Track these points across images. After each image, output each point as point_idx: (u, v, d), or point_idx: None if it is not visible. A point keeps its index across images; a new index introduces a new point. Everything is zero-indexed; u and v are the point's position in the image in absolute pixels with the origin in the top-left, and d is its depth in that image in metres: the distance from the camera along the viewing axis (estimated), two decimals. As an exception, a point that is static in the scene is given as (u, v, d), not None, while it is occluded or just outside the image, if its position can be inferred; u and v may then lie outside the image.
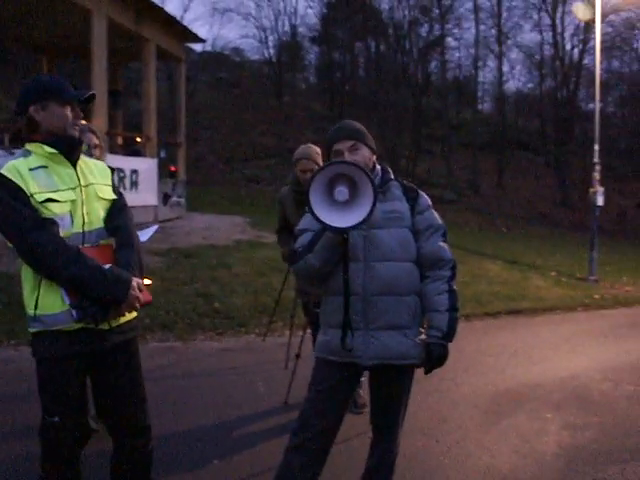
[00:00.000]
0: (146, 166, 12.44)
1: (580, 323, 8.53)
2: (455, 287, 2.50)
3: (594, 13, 13.39)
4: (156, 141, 13.65)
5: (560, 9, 29.81)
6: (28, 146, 2.31)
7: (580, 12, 22.43)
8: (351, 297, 2.41)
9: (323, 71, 34.60)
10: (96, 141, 3.56)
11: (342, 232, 2.31)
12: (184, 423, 4.09)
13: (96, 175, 2.44)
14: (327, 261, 2.42)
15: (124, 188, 10.93)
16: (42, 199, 2.21)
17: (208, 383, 5.04)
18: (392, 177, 2.58)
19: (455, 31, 33.14)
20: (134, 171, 11.77)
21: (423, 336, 2.49)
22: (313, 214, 2.26)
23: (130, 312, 2.38)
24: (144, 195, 12.00)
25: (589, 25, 23.63)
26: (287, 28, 34.83)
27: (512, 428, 4.27)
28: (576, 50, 30.34)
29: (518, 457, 3.77)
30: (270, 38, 34.72)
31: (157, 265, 8.51)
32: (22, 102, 2.30)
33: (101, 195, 2.41)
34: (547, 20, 30.62)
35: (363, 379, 2.86)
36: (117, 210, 2.45)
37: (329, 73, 32.63)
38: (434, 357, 2.43)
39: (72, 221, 2.28)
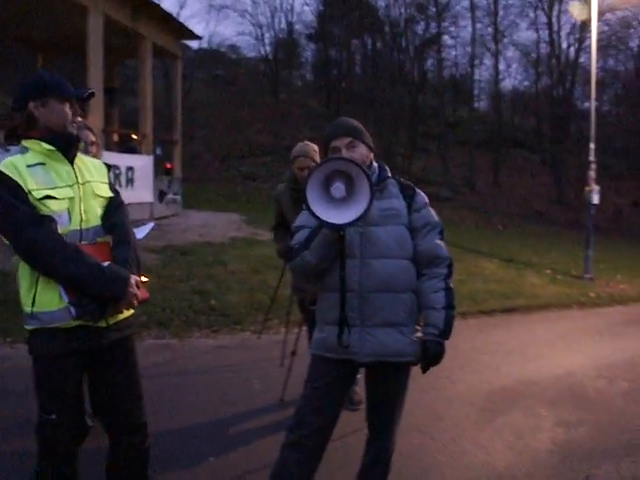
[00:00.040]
0: (142, 163, 12.41)
1: (575, 321, 8.56)
2: (451, 285, 2.51)
3: (590, 12, 13.41)
4: (152, 138, 13.62)
5: (556, 7, 29.90)
6: (25, 143, 2.30)
7: (576, 11, 22.49)
8: (347, 294, 2.41)
9: (319, 68, 34.59)
10: (93, 138, 3.56)
11: (339, 228, 2.32)
12: (180, 420, 4.09)
13: (93, 173, 2.43)
14: (323, 258, 2.42)
15: (120, 185, 10.90)
16: (40, 196, 2.20)
17: (204, 380, 5.05)
18: (389, 175, 2.59)
19: (451, 29, 33.21)
20: (130, 168, 11.74)
21: (419, 334, 2.50)
22: (310, 210, 2.27)
23: (128, 309, 2.38)
24: (140, 192, 11.97)
25: (585, 24, 23.66)
26: (283, 25, 34.94)
27: (507, 425, 4.29)
28: (572, 48, 30.47)
29: (513, 454, 3.79)
30: (266, 35, 34.91)
31: (153, 262, 8.50)
32: (21, 98, 2.29)
33: (98, 193, 2.41)
34: (543, 18, 30.73)
35: (359, 376, 2.87)
36: (114, 208, 2.45)
37: (325, 70, 32.61)
38: (430, 355, 2.43)
39: (70, 218, 2.27)
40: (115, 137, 14.38)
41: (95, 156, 3.25)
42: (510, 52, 46.07)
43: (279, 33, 33.88)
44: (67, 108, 2.32)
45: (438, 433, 4.08)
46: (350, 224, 2.28)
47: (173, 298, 7.24)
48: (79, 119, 2.40)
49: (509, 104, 35.68)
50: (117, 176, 10.97)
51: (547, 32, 30.33)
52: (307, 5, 49.95)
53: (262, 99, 30.82)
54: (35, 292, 2.25)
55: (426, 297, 2.48)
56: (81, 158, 2.42)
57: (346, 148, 2.49)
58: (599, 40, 14.47)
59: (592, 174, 12.55)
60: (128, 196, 2.71)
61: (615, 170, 30.58)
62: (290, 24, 34.24)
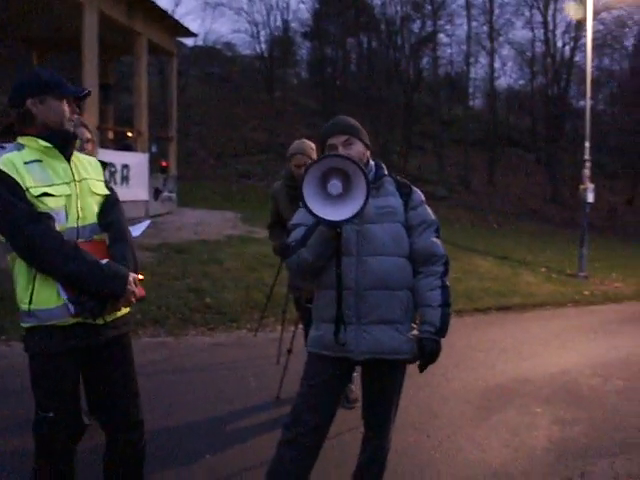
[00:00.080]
0: (137, 161, 12.38)
1: (570, 319, 8.59)
2: (448, 283, 2.51)
3: (586, 11, 13.43)
4: (147, 136, 13.59)
5: (552, 6, 29.93)
6: (21, 140, 2.29)
7: (572, 10, 22.53)
8: (343, 291, 2.41)
9: (315, 66, 34.54)
10: (88, 135, 3.55)
11: (335, 225, 2.32)
12: (176, 418, 4.09)
13: (89, 170, 2.43)
14: (320, 255, 2.42)
15: (115, 183, 10.88)
16: (38, 193, 2.20)
17: (200, 378, 5.05)
18: (386, 173, 2.59)
19: (447, 27, 33.31)
20: (125, 166, 11.71)
21: (415, 332, 2.50)
22: (306, 207, 2.27)
23: (126, 307, 2.38)
24: (135, 190, 11.94)
25: (580, 23, 23.70)
26: (279, 23, 34.85)
27: (502, 423, 4.30)
28: (567, 47, 30.52)
29: (509, 451, 3.80)
30: (262, 33, 34.78)
31: (148, 260, 8.48)
32: (19, 95, 2.28)
33: (94, 190, 2.40)
34: (539, 17, 30.77)
35: (355, 374, 2.87)
36: (110, 205, 2.45)
37: (321, 68, 32.57)
38: (427, 352, 2.43)
39: (67, 216, 2.27)
40: (110, 134, 14.33)
41: (90, 153, 3.24)
42: (505, 50, 46.18)
43: (275, 31, 33.90)
44: (65, 106, 2.32)
45: (434, 430, 4.09)
46: (347, 221, 2.28)
47: (168, 296, 7.23)
48: (75, 116, 2.40)
49: (504, 103, 35.72)
50: (112, 174, 10.94)
51: (542, 31, 30.43)
52: (303, 3, 49.97)
53: (257, 97, 30.79)
54: (32, 289, 2.24)
55: (422, 295, 2.48)
56: (77, 156, 2.42)
57: (343, 146, 2.49)
58: (594, 39, 14.48)
59: (587, 172, 12.58)
60: (123, 194, 2.71)
61: (609, 169, 30.69)
62: (286, 22, 34.28)
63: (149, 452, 2.61)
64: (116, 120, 16.52)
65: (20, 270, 2.27)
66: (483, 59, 35.39)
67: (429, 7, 30.52)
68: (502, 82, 43.25)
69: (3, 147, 2.29)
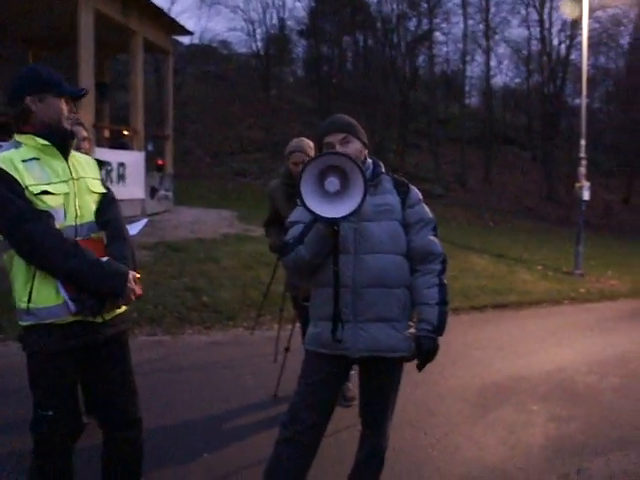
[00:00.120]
0: (133, 159, 12.36)
1: (566, 316, 8.61)
2: (445, 281, 2.51)
3: (582, 10, 13.45)
4: (143, 134, 13.56)
5: (548, 5, 29.96)
6: (18, 137, 2.29)
7: (568, 9, 22.55)
8: (341, 289, 2.42)
9: (311, 65, 34.49)
10: (85, 134, 3.54)
11: (333, 223, 2.32)
12: (173, 417, 4.09)
13: (86, 169, 2.43)
14: (317, 253, 2.43)
15: (111, 181, 10.86)
16: (37, 191, 2.19)
17: (197, 377, 5.05)
18: (383, 171, 2.59)
19: (443, 25, 33.20)
20: (121, 164, 11.69)
21: (412, 330, 2.51)
22: (304, 204, 2.27)
23: (126, 305, 2.39)
24: (131, 188, 11.92)
25: (576, 21, 23.75)
26: (275, 21, 34.77)
27: (499, 420, 4.31)
28: (563, 46, 30.52)
29: (505, 448, 3.82)
30: (258, 31, 34.76)
31: (145, 259, 8.47)
32: (18, 92, 2.28)
33: (92, 189, 2.41)
34: (535, 15, 30.79)
35: (352, 372, 2.88)
36: (107, 203, 2.45)
37: (317, 67, 32.52)
38: (424, 350, 2.44)
39: (65, 214, 2.27)
40: (106, 133, 14.30)
41: (87, 152, 3.23)
42: (501, 49, 46.31)
43: (270, 29, 33.83)
44: (63, 104, 2.32)
45: (431, 428, 4.10)
46: (344, 218, 2.29)
47: (165, 295, 7.22)
48: (72, 115, 2.40)
49: (500, 101, 35.76)
50: (108, 172, 10.92)
51: (538, 29, 30.43)
52: (299, 1, 49.89)
53: (253, 95, 30.75)
54: (31, 288, 2.23)
55: (420, 293, 2.49)
56: (73, 154, 2.42)
57: (340, 144, 2.49)
58: (590, 37, 14.52)
59: (583, 170, 12.60)
60: (119, 192, 2.71)
61: (605, 167, 30.74)
62: (282, 20, 34.19)
63: (147, 451, 2.62)
64: (112, 118, 16.48)
65: (19, 268, 2.26)
66: (479, 57, 35.30)
67: (425, 5, 30.53)
68: (498, 80, 43.41)
69: None
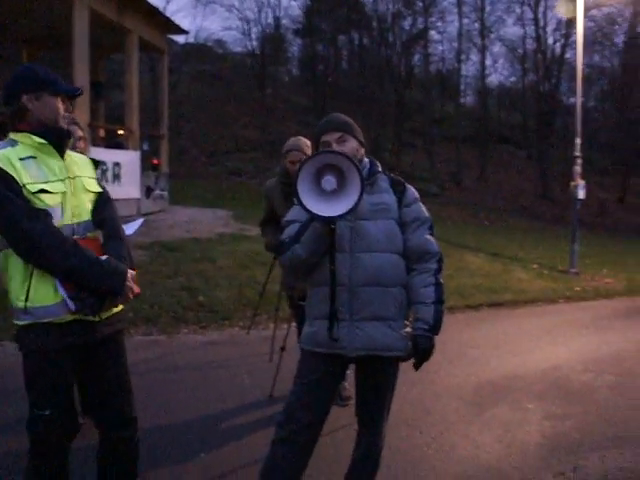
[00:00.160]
0: (129, 159, 12.34)
1: (561, 315, 8.63)
2: (441, 280, 2.51)
3: (576, 9, 13.47)
4: (139, 133, 13.54)
5: (542, 3, 30.05)
6: (13, 136, 2.28)
7: (563, 9, 22.59)
8: (337, 288, 2.42)
9: (306, 64, 34.49)
10: (80, 133, 3.54)
11: (329, 221, 2.32)
12: (169, 417, 4.08)
13: (81, 168, 2.43)
14: (314, 252, 2.43)
15: (106, 181, 10.84)
16: (35, 190, 2.19)
17: (193, 377, 5.04)
18: (380, 170, 2.60)
19: (438, 24, 33.25)
20: (116, 164, 11.67)
21: (408, 329, 2.51)
22: (301, 203, 2.27)
23: (124, 303, 2.39)
24: (127, 188, 11.91)
25: (571, 20, 23.79)
26: (270, 20, 34.75)
27: (495, 419, 4.32)
28: (558, 44, 30.63)
29: (501, 447, 3.83)
30: (253, 30, 34.72)
31: (141, 258, 8.46)
32: (14, 90, 2.27)
33: (88, 188, 2.40)
34: (529, 14, 30.86)
35: (348, 372, 2.88)
36: (103, 202, 2.45)
37: (312, 66, 32.52)
38: (420, 349, 2.44)
39: (62, 213, 2.26)
40: (101, 132, 14.27)
41: (83, 151, 3.23)
42: (497, 48, 46.20)
43: (266, 28, 33.78)
44: (59, 103, 2.32)
45: (426, 427, 4.10)
46: (341, 217, 2.29)
47: (161, 294, 7.21)
48: (67, 114, 2.39)
49: (495, 100, 35.83)
50: (104, 172, 10.90)
51: (533, 28, 30.50)
52: (294, 0, 49.78)
53: (249, 94, 30.72)
54: (29, 286, 2.22)
55: (416, 292, 2.49)
56: (69, 153, 2.41)
57: (336, 142, 2.49)
58: (585, 36, 14.53)
59: (578, 169, 12.63)
60: (115, 192, 2.71)
61: (600, 165, 30.83)
62: (277, 19, 34.17)
63: (143, 451, 2.61)
64: (107, 118, 16.45)
65: (15, 267, 2.25)
66: (474, 56, 35.47)
67: (420, 4, 30.58)
68: (493, 79, 43.58)
69: None
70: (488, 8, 31.41)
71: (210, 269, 8.63)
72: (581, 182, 12.62)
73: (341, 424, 3.83)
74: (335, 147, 2.47)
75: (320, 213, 2.27)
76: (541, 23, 30.12)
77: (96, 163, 2.55)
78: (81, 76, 10.92)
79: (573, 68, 21.29)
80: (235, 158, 25.69)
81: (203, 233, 11.36)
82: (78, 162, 2.43)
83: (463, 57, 32.92)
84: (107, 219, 2.42)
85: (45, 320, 2.23)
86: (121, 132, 13.69)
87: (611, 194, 29.30)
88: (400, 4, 30.98)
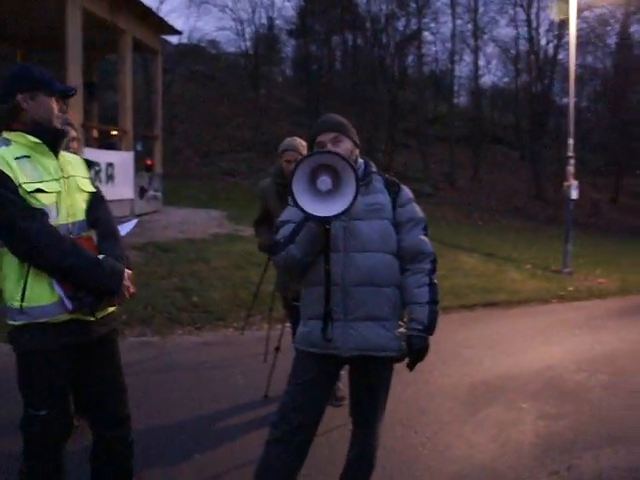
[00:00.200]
0: (122, 159, 12.31)
1: (555, 315, 8.65)
2: (435, 280, 2.52)
3: (569, 10, 13.51)
4: (132, 134, 13.51)
5: (535, 5, 30.08)
6: (7, 135, 2.27)
7: (556, 11, 22.68)
8: (331, 288, 2.42)
9: (300, 64, 34.48)
10: (74, 134, 3.52)
11: (325, 221, 2.32)
12: (164, 417, 4.08)
13: (75, 167, 2.43)
14: (309, 252, 2.43)
15: (100, 182, 10.79)
16: (31, 189, 2.18)
17: (187, 377, 5.03)
18: (374, 170, 2.60)
19: (432, 25, 33.25)
20: (110, 164, 11.64)
21: (402, 329, 2.51)
22: (296, 203, 2.28)
23: (121, 303, 2.39)
24: (120, 189, 11.88)
25: (563, 21, 23.88)
26: (264, 20, 34.61)
27: (489, 418, 4.33)
28: (551, 45, 30.69)
29: (496, 446, 3.83)
30: (247, 30, 34.40)
31: (134, 259, 8.42)
32: (9, 89, 2.26)
33: (82, 187, 2.40)
34: (522, 15, 30.89)
35: (343, 372, 2.88)
36: (97, 202, 2.45)
37: (306, 66, 32.50)
38: (415, 350, 2.44)
39: (57, 213, 2.26)
40: (95, 133, 14.23)
41: (76, 152, 3.22)
42: (490, 48, 46.44)
43: (259, 28, 33.69)
44: (54, 103, 2.31)
45: (421, 427, 4.11)
46: (336, 217, 2.29)
47: (155, 295, 7.20)
48: (62, 114, 2.39)
49: (489, 100, 35.91)
50: (97, 172, 10.87)
51: (526, 29, 30.55)
52: (288, 1, 49.68)
53: (242, 94, 30.68)
54: (25, 286, 2.21)
55: (410, 292, 2.49)
56: (62, 153, 2.41)
57: (331, 143, 2.50)
58: (577, 37, 14.59)
59: (571, 169, 12.66)
60: (108, 193, 2.70)
61: (592, 165, 30.94)
62: (271, 19, 34.09)
63: (137, 452, 2.61)
64: (100, 118, 16.40)
65: (10, 266, 2.23)
66: (467, 57, 35.54)
67: (414, 5, 30.56)
68: (486, 80, 43.61)
69: None
70: (481, 9, 31.49)
71: (204, 270, 8.62)
72: (574, 182, 12.65)
73: (336, 424, 3.83)
74: (330, 147, 2.47)
75: (315, 213, 2.27)
76: (534, 24, 30.21)
77: (89, 164, 2.55)
78: (74, 77, 10.88)
79: (566, 69, 21.38)
80: (229, 158, 25.65)
81: (197, 234, 11.34)
82: (72, 162, 2.43)
83: (456, 58, 32.98)
84: (101, 219, 2.42)
85: (41, 320, 2.22)
86: (114, 133, 13.65)
87: (604, 194, 29.40)
88: (394, 5, 31.02)
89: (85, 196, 2.41)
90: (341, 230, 2.44)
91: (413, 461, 3.58)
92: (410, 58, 32.97)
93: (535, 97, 30.14)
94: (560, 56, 29.93)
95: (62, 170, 2.32)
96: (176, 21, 51.03)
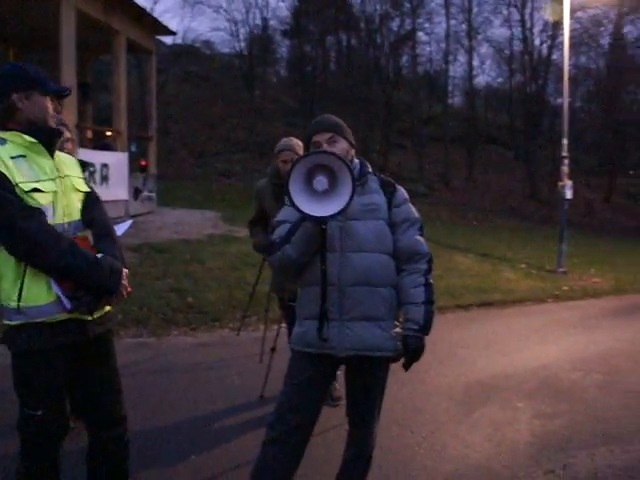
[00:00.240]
0: (116, 160, 12.28)
1: (550, 314, 8.68)
2: (431, 280, 2.53)
3: (563, 10, 13.56)
4: (127, 135, 13.48)
5: (529, 5, 30.18)
6: (2, 134, 2.26)
7: (549, 11, 22.76)
8: (328, 287, 2.42)
9: (294, 64, 34.47)
10: (68, 134, 3.52)
11: (321, 221, 2.33)
12: (160, 419, 4.07)
13: (70, 167, 2.42)
14: (305, 252, 2.43)
15: (94, 182, 10.77)
16: (28, 189, 2.17)
17: (183, 378, 5.02)
18: (370, 171, 2.61)
19: (426, 25, 33.36)
20: (104, 165, 11.61)
21: (398, 329, 2.51)
22: (293, 203, 2.28)
23: (118, 302, 2.39)
24: (115, 190, 11.85)
25: (557, 22, 23.96)
26: (258, 21, 34.63)
27: (485, 418, 4.34)
28: (545, 46, 30.77)
29: (491, 445, 3.84)
30: (241, 31, 34.55)
31: (129, 260, 8.41)
32: (4, 88, 2.25)
33: (78, 187, 2.40)
34: (516, 15, 30.99)
35: (339, 372, 2.88)
36: (92, 202, 2.44)
37: (300, 67, 32.51)
38: (411, 350, 2.45)
39: (54, 212, 2.25)
40: (89, 134, 14.20)
41: (71, 153, 3.21)
42: (484, 49, 46.52)
43: (254, 29, 33.68)
44: (49, 103, 2.31)
45: (417, 426, 4.11)
46: (333, 217, 2.30)
47: (150, 296, 7.18)
48: (57, 114, 2.39)
49: (483, 100, 35.98)
50: (92, 173, 10.84)
51: (520, 29, 30.66)
52: (282, 1, 49.75)
53: (237, 95, 30.65)
54: (22, 286, 2.20)
55: (406, 292, 2.49)
56: (57, 153, 2.40)
57: (327, 143, 2.50)
58: (571, 37, 14.63)
59: (565, 169, 12.71)
60: (103, 194, 2.70)
61: (586, 165, 31.04)
62: (265, 20, 34.07)
63: (133, 453, 2.61)
64: (95, 119, 16.37)
65: (7, 266, 2.22)
66: (462, 57, 35.53)
67: (408, 5, 30.61)
68: (481, 80, 43.74)
69: None
70: (475, 9, 31.60)
71: (199, 270, 8.61)
72: (568, 182, 12.70)
73: (332, 424, 3.83)
74: (326, 147, 2.48)
75: (312, 213, 2.28)
76: (528, 24, 30.30)
77: (84, 165, 2.54)
78: (68, 77, 10.85)
79: (560, 69, 21.40)
80: (223, 159, 25.62)
81: (192, 234, 11.33)
82: (66, 162, 2.43)
83: (451, 58, 33.01)
84: (97, 219, 2.41)
85: (38, 320, 2.21)
86: (109, 133, 13.62)
87: (597, 194, 29.51)
88: (388, 5, 31.06)
89: (80, 196, 2.41)
90: (337, 230, 2.45)
91: (409, 461, 3.59)
92: (404, 58, 33.02)
93: (529, 97, 30.22)
94: (554, 56, 30.04)
95: (58, 170, 2.32)
96: (170, 21, 51.07)
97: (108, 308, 2.43)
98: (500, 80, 36.51)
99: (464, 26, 31.40)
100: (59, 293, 2.20)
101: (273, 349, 4.55)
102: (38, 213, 2.17)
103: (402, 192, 2.60)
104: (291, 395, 2.51)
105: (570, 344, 6.71)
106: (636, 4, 27.96)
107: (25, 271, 2.20)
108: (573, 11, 16.91)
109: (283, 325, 4.51)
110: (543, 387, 5.10)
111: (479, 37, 32.62)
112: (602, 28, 31.74)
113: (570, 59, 15.17)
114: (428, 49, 35.15)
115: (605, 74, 32.85)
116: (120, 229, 3.43)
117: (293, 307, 2.83)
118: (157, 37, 16.54)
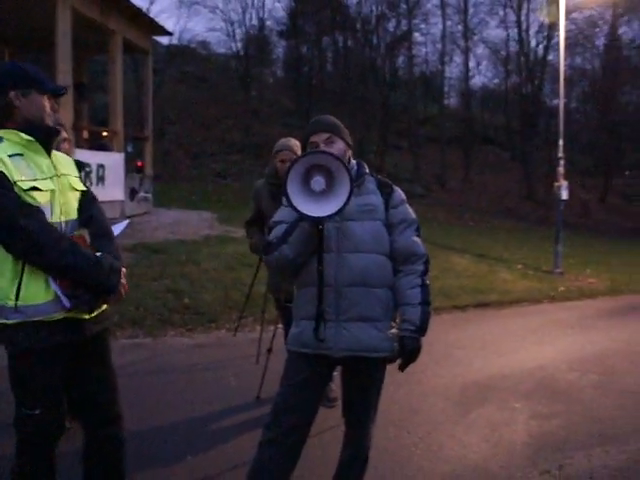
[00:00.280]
0: (113, 161, 12.26)
1: (546, 315, 8.69)
2: (428, 281, 2.53)
3: (559, 12, 13.60)
4: (123, 135, 13.46)
5: (525, 6, 30.31)
6: None
7: (545, 13, 22.82)
8: (324, 288, 2.42)
9: (291, 65, 34.51)
10: (65, 134, 3.51)
11: (318, 222, 2.32)
12: (156, 419, 4.06)
13: (66, 166, 2.42)
14: (302, 252, 2.43)
15: (90, 183, 10.76)
16: (27, 187, 2.16)
17: (179, 379, 5.01)
18: (367, 171, 2.61)
19: (422, 26, 33.44)
20: (100, 166, 11.59)
21: (394, 330, 2.51)
22: (290, 203, 2.27)
23: (117, 301, 2.39)
24: (111, 190, 11.83)
25: (553, 23, 24.02)
26: (255, 21, 34.57)
27: (482, 418, 4.34)
28: (540, 46, 30.90)
29: (488, 446, 3.84)
30: (237, 31, 34.40)
31: (125, 260, 8.34)
32: (2, 86, 2.24)
33: (74, 186, 2.39)
34: (512, 17, 31.13)
35: (335, 373, 2.88)
36: (88, 201, 2.44)
37: (297, 67, 32.55)
38: (407, 350, 2.45)
39: (52, 211, 2.24)
40: (85, 134, 14.17)
41: (67, 153, 3.20)
42: (480, 49, 46.61)
43: (250, 29, 33.66)
44: (46, 101, 2.30)
45: (414, 427, 4.11)
46: (330, 217, 2.29)
47: (146, 297, 7.17)
48: (54, 113, 2.38)
49: (479, 101, 36.08)
50: (88, 174, 10.82)
51: (516, 30, 30.76)
52: (278, 2, 49.72)
53: (233, 96, 30.64)
54: (20, 284, 2.18)
55: (402, 293, 2.49)
56: (54, 152, 2.40)
57: (324, 143, 2.50)
58: (567, 38, 14.68)
59: (561, 170, 12.74)
60: (99, 194, 2.68)
61: (581, 166, 31.13)
62: (261, 20, 34.06)
63: (130, 453, 2.60)
64: (91, 119, 16.35)
65: (4, 264, 2.20)
66: (458, 58, 35.66)
67: (404, 6, 30.68)
68: (477, 81, 43.84)
69: None
70: (471, 10, 31.69)
71: (195, 271, 8.59)
72: (564, 183, 12.73)
73: (328, 425, 3.82)
74: (323, 148, 2.47)
75: (309, 213, 2.27)
76: (524, 25, 30.41)
77: (80, 165, 2.54)
78: (64, 77, 10.83)
79: (555, 70, 21.46)
80: (220, 160, 25.60)
81: (188, 235, 11.32)
82: (62, 161, 2.42)
83: (447, 59, 33.16)
84: (94, 218, 2.41)
85: (35, 319, 2.20)
86: (105, 134, 13.60)
87: (593, 194, 29.59)
88: (384, 6, 31.13)
89: (77, 195, 2.40)
90: (334, 231, 2.44)
91: (406, 461, 3.59)
92: (400, 59, 33.14)
93: (525, 98, 30.31)
94: (550, 57, 30.18)
95: (55, 168, 2.31)
96: (166, 22, 51.04)
97: (105, 306, 2.42)
98: (496, 81, 36.72)
99: (460, 27, 31.57)
100: (58, 291, 2.19)
101: (269, 350, 4.54)
102: (37, 211, 2.16)
103: (399, 193, 2.59)
104: (287, 396, 2.50)
105: (566, 344, 6.73)
106: (631, 5, 28.05)
107: (23, 269, 2.18)
108: (569, 12, 16.98)
109: (279, 326, 4.50)
110: (539, 388, 5.10)
111: (475, 38, 32.79)
112: (597, 29, 31.93)
113: (566, 60, 15.20)
114: (424, 50, 35.29)
115: (600, 75, 32.97)
116: (116, 230, 3.42)
117: (289, 308, 2.83)
118: (153, 37, 16.53)
